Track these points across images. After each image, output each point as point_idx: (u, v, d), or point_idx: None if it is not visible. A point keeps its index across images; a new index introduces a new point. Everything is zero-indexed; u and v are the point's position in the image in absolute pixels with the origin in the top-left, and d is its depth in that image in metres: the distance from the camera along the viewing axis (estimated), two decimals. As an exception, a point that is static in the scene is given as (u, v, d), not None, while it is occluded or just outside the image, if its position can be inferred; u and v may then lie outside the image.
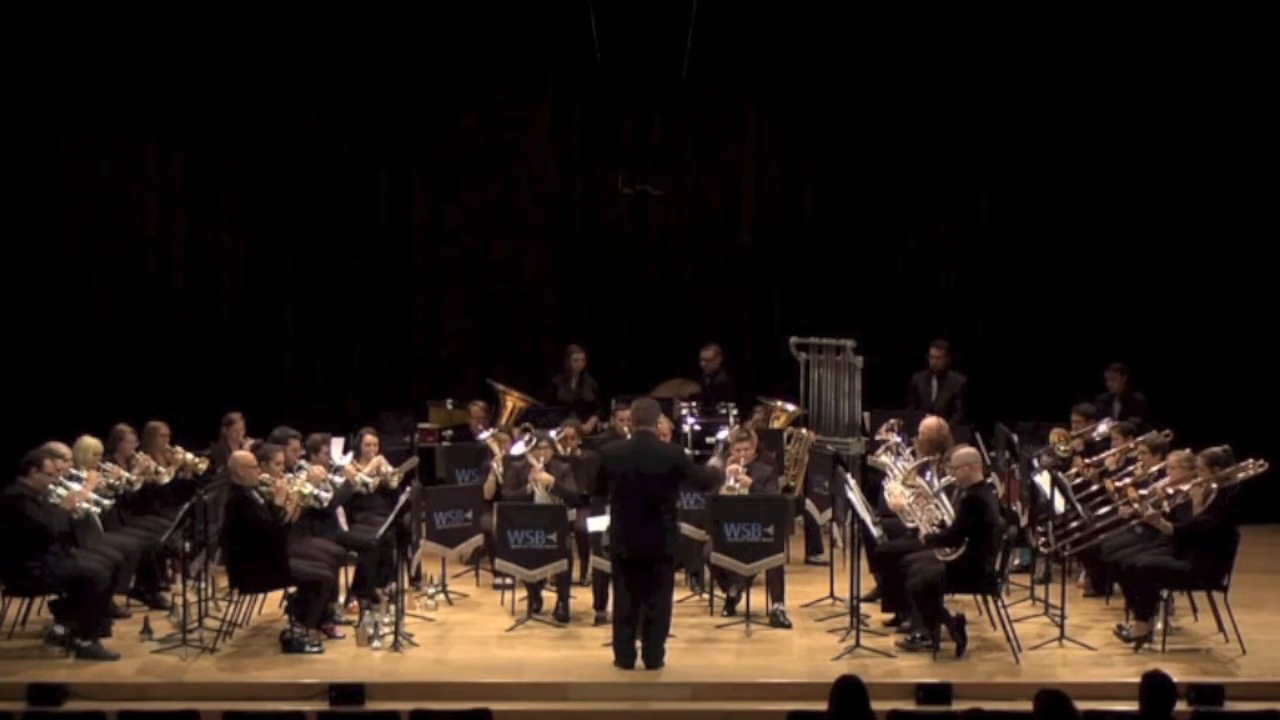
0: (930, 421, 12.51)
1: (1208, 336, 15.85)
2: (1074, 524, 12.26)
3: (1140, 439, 12.65)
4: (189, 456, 13.21)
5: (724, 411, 14.60)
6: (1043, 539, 12.39)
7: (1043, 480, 12.41)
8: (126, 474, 12.56)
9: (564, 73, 16.22)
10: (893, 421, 13.41)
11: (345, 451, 13.27)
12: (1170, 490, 11.57)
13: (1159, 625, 11.52)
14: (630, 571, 11.12)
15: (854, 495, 11.81)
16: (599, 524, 11.75)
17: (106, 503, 12.08)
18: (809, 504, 13.71)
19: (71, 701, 10.54)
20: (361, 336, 16.70)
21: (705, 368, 15.51)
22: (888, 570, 12.01)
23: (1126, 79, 15.86)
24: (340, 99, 16.29)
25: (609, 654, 11.22)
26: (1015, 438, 13.42)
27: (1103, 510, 12.19)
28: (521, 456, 13.16)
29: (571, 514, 12.67)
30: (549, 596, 12.49)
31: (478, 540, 13.06)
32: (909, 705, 10.40)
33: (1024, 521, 12.77)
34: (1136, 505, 11.73)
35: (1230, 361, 15.81)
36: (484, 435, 14.22)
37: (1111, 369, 14.67)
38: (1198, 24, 15.66)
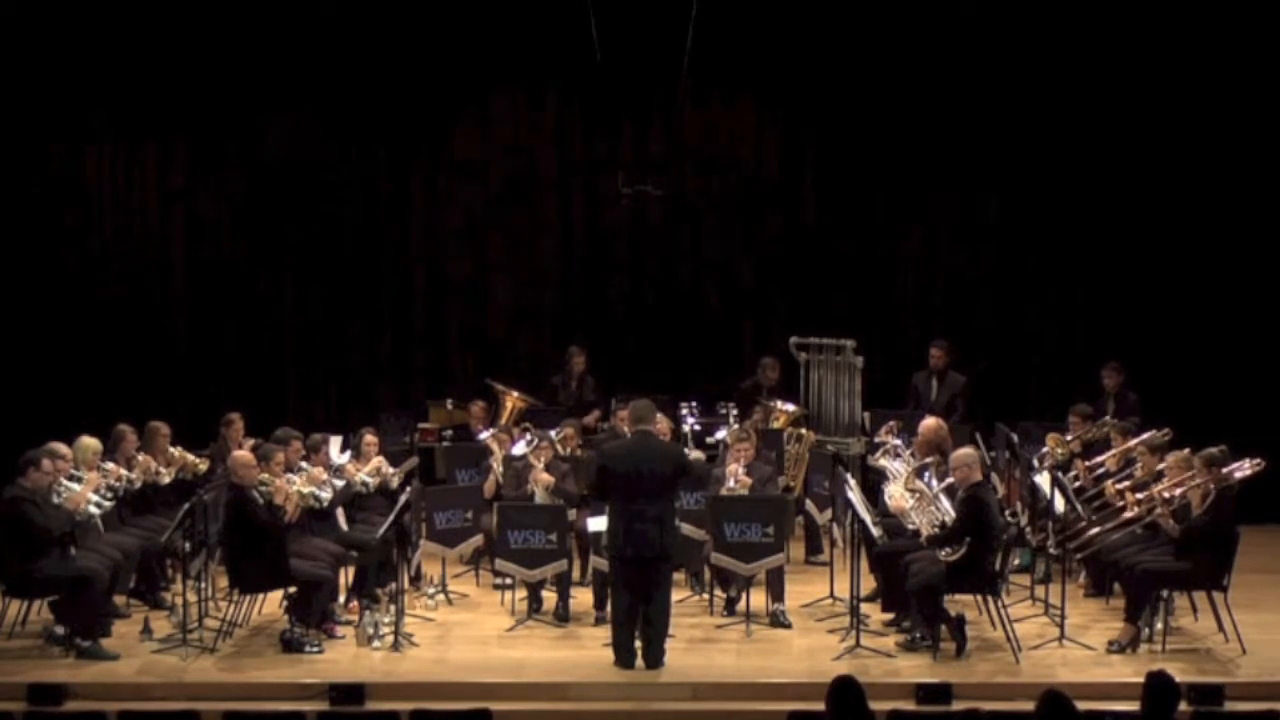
0: (929, 423, 12.52)
1: (1206, 336, 15.84)
2: (1080, 525, 12.26)
3: (1140, 439, 12.66)
4: (189, 456, 13.21)
5: (724, 411, 14.61)
6: (1042, 535, 12.38)
7: (1043, 480, 12.42)
8: (126, 474, 12.55)
9: (564, 72, 16.21)
10: (892, 424, 13.44)
11: (344, 450, 13.27)
12: (1168, 493, 11.57)
13: (1158, 625, 11.53)
14: (630, 571, 11.12)
15: (854, 495, 11.82)
16: (599, 524, 11.73)
17: (107, 504, 12.08)
18: (809, 504, 13.71)
19: (71, 701, 10.55)
20: (361, 336, 16.70)
21: (764, 380, 15.22)
22: (888, 570, 12.01)
23: (1125, 79, 15.86)
24: (340, 100, 16.28)
25: (609, 654, 11.22)
26: (1015, 438, 13.42)
27: (1104, 513, 12.21)
28: (522, 456, 13.16)
29: (571, 514, 12.67)
30: (549, 596, 12.49)
31: (478, 540, 13.06)
32: (909, 705, 10.40)
33: (1024, 522, 12.77)
34: (1136, 509, 11.74)
35: (1228, 361, 15.80)
36: (484, 435, 14.24)
37: (1108, 367, 14.68)
38: (1196, 24, 15.66)
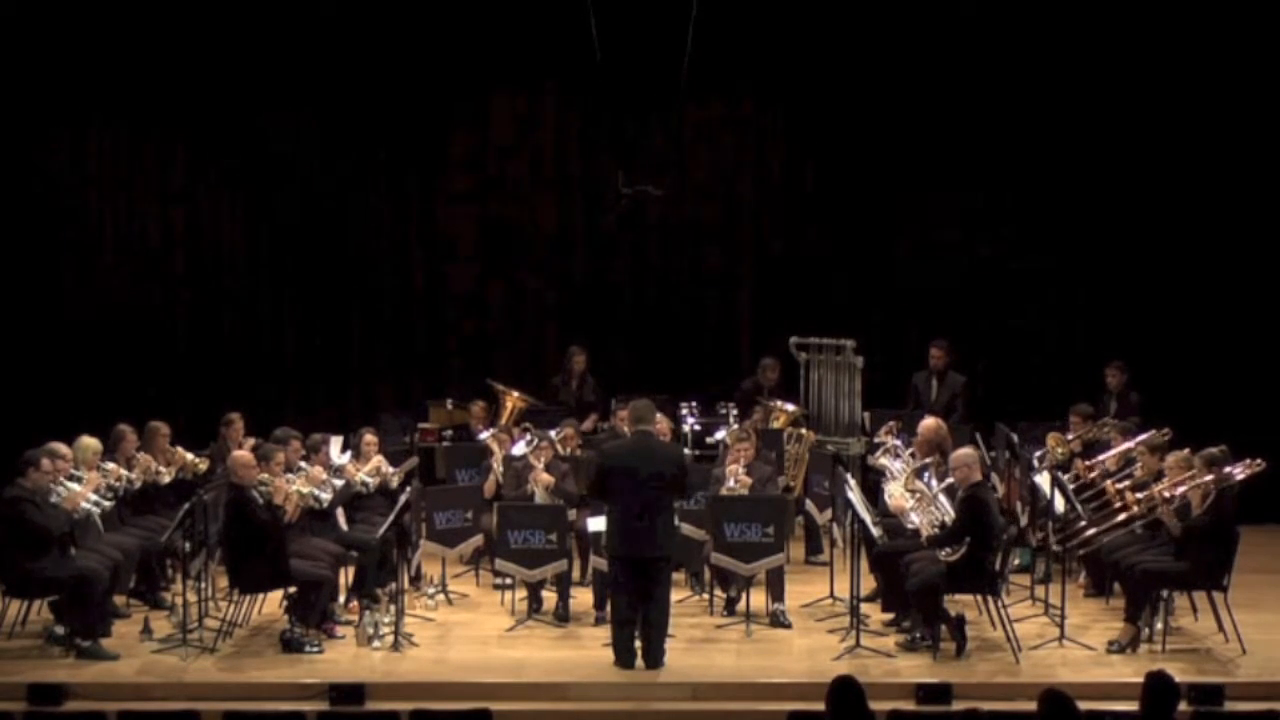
0: (929, 423, 12.52)
1: (1206, 336, 15.84)
2: (1080, 525, 12.27)
3: (1140, 439, 12.66)
4: (189, 456, 13.21)
5: (724, 411, 14.60)
6: (1042, 535, 12.38)
7: (1043, 480, 12.42)
8: (127, 474, 12.56)
9: (564, 73, 16.21)
10: (891, 424, 13.44)
11: (344, 451, 13.27)
12: (1168, 492, 11.56)
13: (1158, 625, 11.53)
14: (629, 571, 11.12)
15: (854, 495, 11.82)
16: (599, 524, 11.73)
17: (107, 504, 12.09)
18: (809, 504, 13.71)
19: (71, 701, 10.55)
20: (361, 337, 16.70)
21: (764, 380, 15.19)
22: (888, 570, 12.00)
23: (1125, 79, 15.85)
24: (340, 100, 16.28)
25: (609, 654, 11.22)
26: (1015, 438, 13.43)
27: (1104, 513, 12.21)
28: (522, 456, 13.16)
29: (571, 514, 12.67)
30: (549, 596, 12.49)
31: (478, 540, 13.06)
32: (909, 705, 10.40)
33: (1024, 521, 12.77)
34: (1135, 509, 11.74)
35: (1229, 361, 15.80)
36: (484, 435, 14.24)
37: (1111, 366, 14.71)
38: (1197, 23, 15.65)
